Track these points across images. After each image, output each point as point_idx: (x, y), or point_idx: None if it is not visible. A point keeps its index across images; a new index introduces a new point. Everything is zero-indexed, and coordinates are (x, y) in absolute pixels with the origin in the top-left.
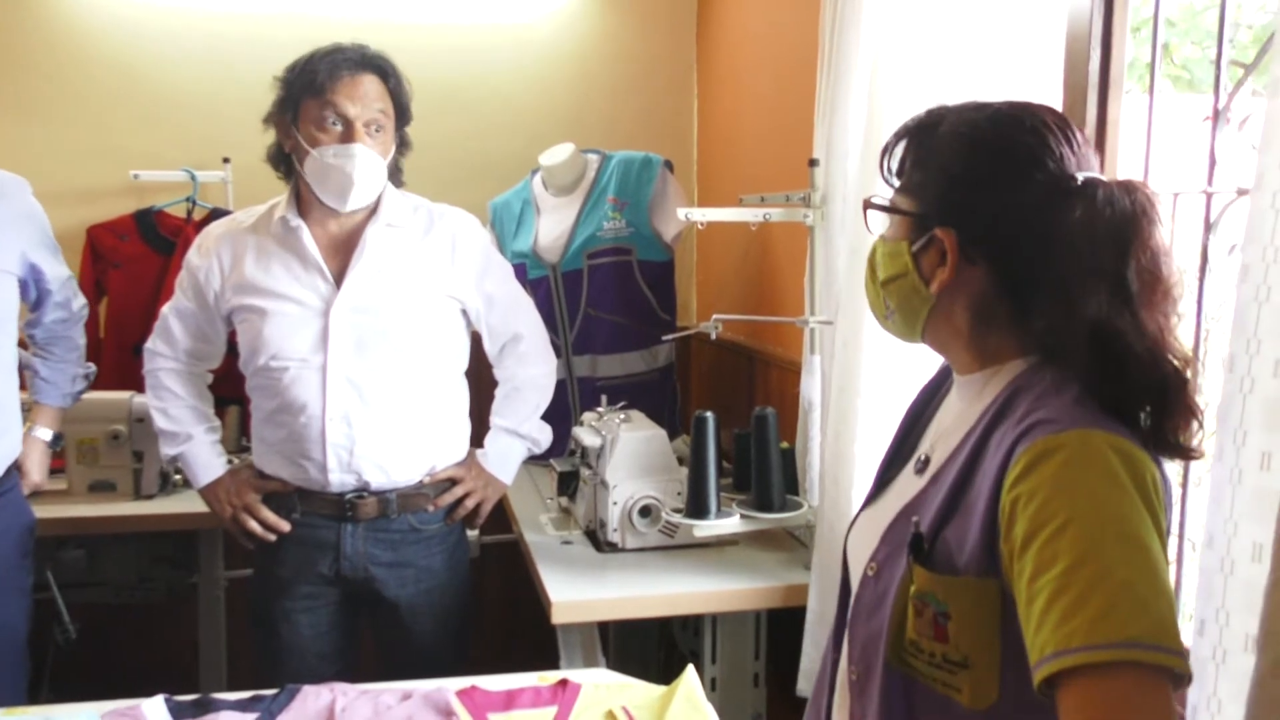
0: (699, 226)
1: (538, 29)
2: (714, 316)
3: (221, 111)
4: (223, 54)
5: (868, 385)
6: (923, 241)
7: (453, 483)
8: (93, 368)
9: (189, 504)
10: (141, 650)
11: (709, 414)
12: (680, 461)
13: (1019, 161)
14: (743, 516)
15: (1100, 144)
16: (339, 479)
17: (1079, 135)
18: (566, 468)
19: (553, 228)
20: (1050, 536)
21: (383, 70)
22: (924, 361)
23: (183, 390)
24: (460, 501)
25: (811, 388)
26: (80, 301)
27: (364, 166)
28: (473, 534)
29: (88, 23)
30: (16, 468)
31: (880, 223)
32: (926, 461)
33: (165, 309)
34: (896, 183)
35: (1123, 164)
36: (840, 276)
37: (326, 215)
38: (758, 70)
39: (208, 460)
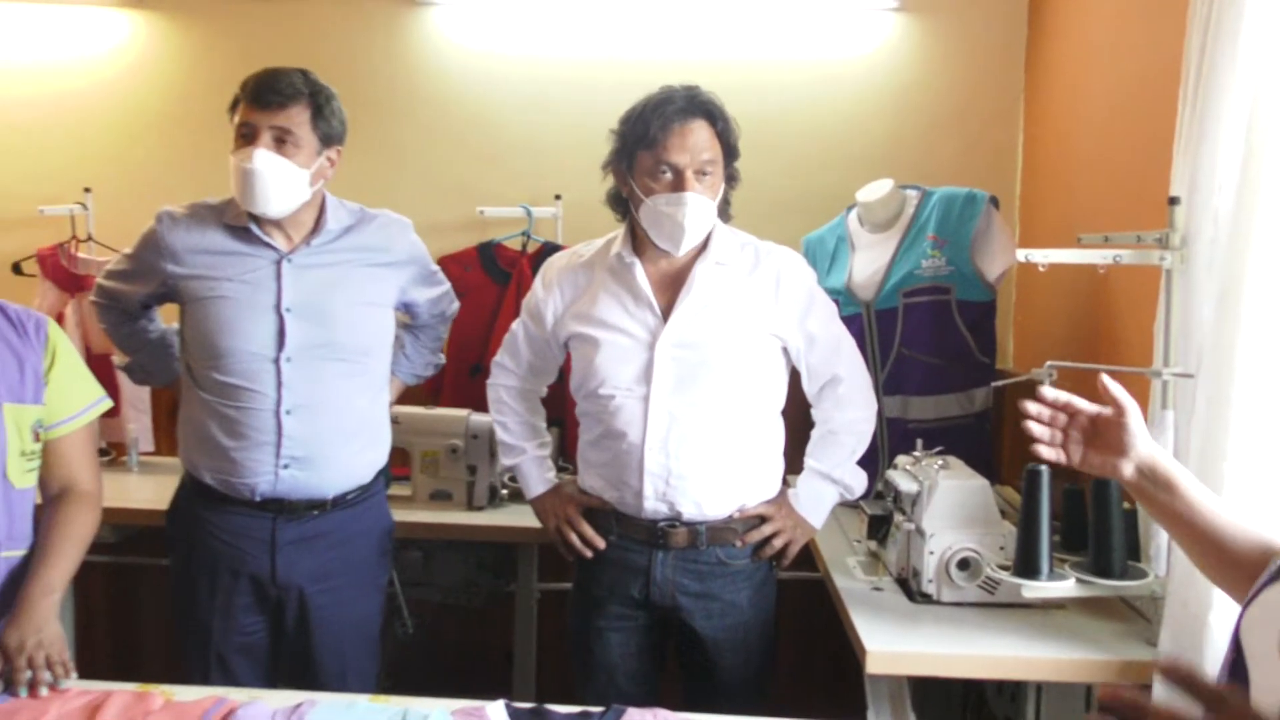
0: (1040, 268)
1: (855, 64)
2: (1048, 363)
3: (554, 151)
4: (556, 98)
5: (1237, 448)
6: None
7: (762, 520)
8: (443, 359)
9: (513, 518)
10: (461, 649)
11: (1043, 467)
12: (1001, 514)
13: None
14: (1079, 580)
15: None
16: (653, 506)
17: None
18: (877, 511)
19: (867, 265)
20: None
21: (711, 114)
22: None
23: (520, 407)
24: (768, 540)
25: (1162, 446)
26: (454, 307)
27: (694, 213)
28: None
29: (444, 74)
30: (382, 475)
31: None
32: None
33: (514, 325)
34: None
35: None
36: (1205, 325)
37: (659, 253)
38: (1098, 98)
39: (537, 474)
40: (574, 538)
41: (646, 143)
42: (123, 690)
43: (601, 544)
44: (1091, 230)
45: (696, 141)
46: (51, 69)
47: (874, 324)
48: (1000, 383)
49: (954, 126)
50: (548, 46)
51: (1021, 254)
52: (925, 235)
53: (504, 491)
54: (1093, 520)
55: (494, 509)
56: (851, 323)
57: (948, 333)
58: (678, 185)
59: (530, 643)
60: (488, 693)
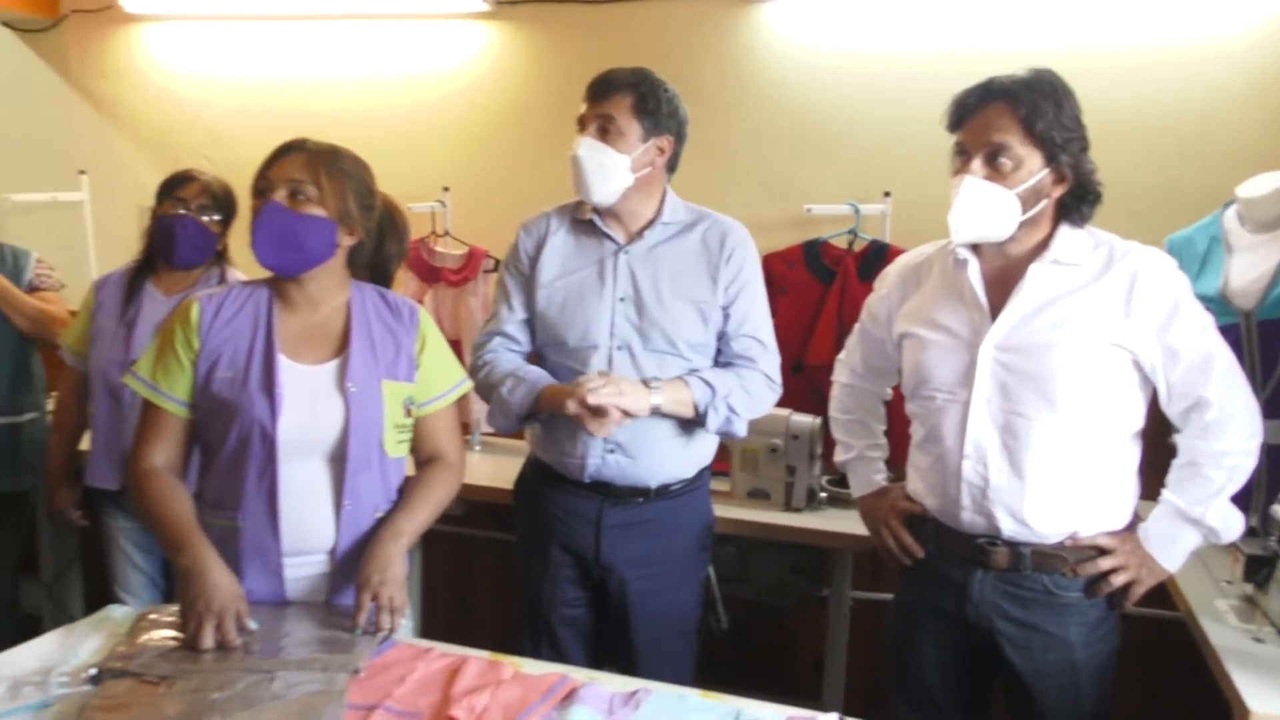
0: None
1: (1234, 41)
2: None
3: (884, 147)
4: (888, 92)
5: None
6: None
7: (1100, 552)
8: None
9: (830, 522)
10: (768, 650)
11: None
12: None
13: None
14: None
15: None
16: (970, 519)
17: None
18: (1257, 551)
19: (1249, 269)
20: None
21: (1013, 97)
22: None
23: (853, 404)
24: (1105, 575)
25: None
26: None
27: (965, 197)
28: None
29: (774, 71)
30: (706, 470)
31: None
32: None
33: (856, 327)
34: None
35: None
36: None
37: (994, 250)
38: None
39: (864, 475)
40: (892, 543)
41: (951, 128)
42: (477, 657)
43: (920, 553)
44: None
45: (988, 124)
46: (417, 79)
47: (1254, 336)
48: None
49: None
50: (881, 39)
51: None
52: None
53: (823, 495)
54: None
55: (812, 511)
56: (1226, 333)
57: None
58: (961, 168)
59: (841, 651)
60: (794, 697)
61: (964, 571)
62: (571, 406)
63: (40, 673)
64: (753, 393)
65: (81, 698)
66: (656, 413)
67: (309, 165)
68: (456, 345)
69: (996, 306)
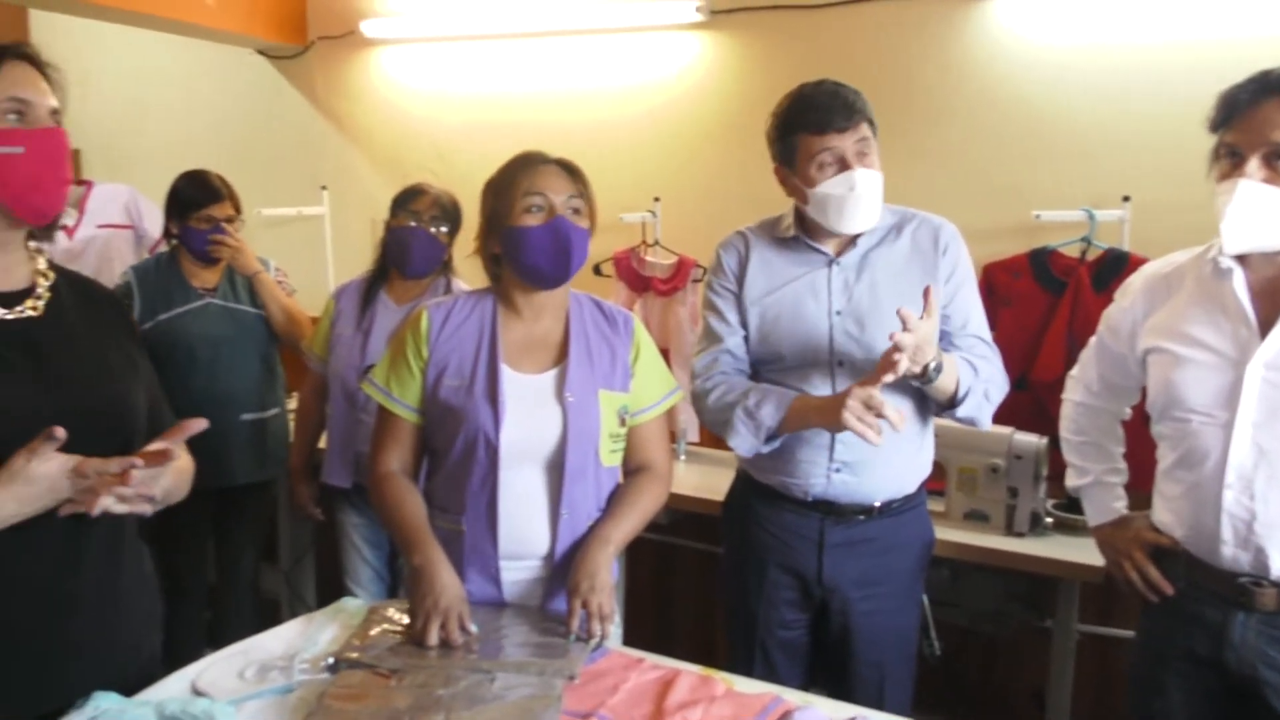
0: None
1: None
2: None
3: (1122, 149)
4: (1127, 89)
5: None
6: None
7: None
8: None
9: (1056, 549)
10: (981, 680)
11: None
12: None
13: None
14: None
15: None
16: (1232, 554)
17: None
18: None
19: None
20: None
21: None
22: None
23: (1088, 424)
24: None
25: None
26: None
27: (1241, 203)
28: None
29: (1000, 69)
30: (924, 487)
31: None
32: None
33: (1093, 338)
34: None
35: None
36: None
37: (1265, 259)
38: None
39: (1103, 502)
40: (1136, 578)
41: (1215, 126)
42: (689, 671)
43: (1168, 589)
44: None
45: (1265, 121)
46: (631, 90)
47: None
48: None
49: None
50: (1118, 32)
51: None
52: None
53: (1048, 520)
54: None
55: (1035, 537)
56: None
57: None
58: (1231, 171)
59: (1065, 687)
60: None
61: (1222, 612)
62: (851, 415)
63: (284, 658)
64: (1000, 385)
65: (320, 685)
66: (923, 379)
67: (578, 179)
68: (665, 354)
69: (1266, 321)
